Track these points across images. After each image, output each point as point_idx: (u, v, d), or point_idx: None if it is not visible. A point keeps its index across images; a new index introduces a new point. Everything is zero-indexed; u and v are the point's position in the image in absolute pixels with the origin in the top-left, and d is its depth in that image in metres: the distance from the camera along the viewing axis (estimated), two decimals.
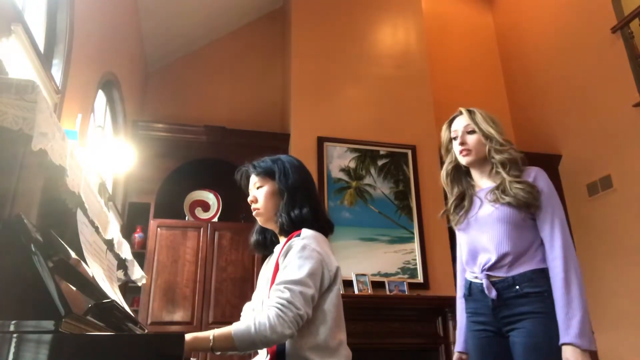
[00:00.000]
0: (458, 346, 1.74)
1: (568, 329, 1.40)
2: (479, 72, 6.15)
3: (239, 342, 1.14)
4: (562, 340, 1.40)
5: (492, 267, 1.56)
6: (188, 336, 1.13)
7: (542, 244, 1.55)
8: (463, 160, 1.69)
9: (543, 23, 5.64)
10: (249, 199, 1.45)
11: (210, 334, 1.15)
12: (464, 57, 6.15)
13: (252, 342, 1.15)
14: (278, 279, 1.25)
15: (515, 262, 1.54)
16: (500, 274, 1.55)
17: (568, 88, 5.20)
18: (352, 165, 4.61)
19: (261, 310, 1.31)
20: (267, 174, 1.44)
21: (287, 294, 1.19)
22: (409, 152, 4.76)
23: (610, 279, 4.46)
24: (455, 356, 1.74)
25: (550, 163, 5.20)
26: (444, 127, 1.78)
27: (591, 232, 4.71)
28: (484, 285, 1.56)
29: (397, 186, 4.64)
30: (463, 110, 1.73)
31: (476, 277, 1.62)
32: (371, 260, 4.30)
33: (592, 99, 4.86)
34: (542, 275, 1.51)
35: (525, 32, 5.93)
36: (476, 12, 6.53)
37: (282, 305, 1.17)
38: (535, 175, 1.60)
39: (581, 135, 4.98)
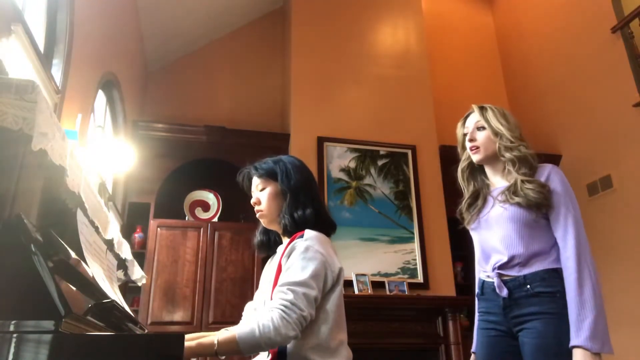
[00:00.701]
0: (474, 346, 1.70)
1: (579, 331, 1.36)
2: (479, 71, 6.15)
3: (243, 345, 1.14)
4: (572, 342, 1.37)
5: (503, 266, 1.54)
6: (192, 342, 1.14)
7: (557, 243, 1.51)
8: (473, 158, 1.67)
9: (543, 23, 5.64)
10: (252, 201, 1.45)
11: (214, 338, 1.15)
12: (464, 57, 6.15)
13: (256, 345, 1.15)
14: (281, 280, 1.25)
15: (527, 262, 1.51)
16: (512, 272, 1.53)
17: (568, 88, 5.20)
18: (352, 165, 4.61)
19: (263, 311, 1.32)
20: (269, 176, 1.43)
21: (290, 296, 1.19)
22: (409, 152, 4.76)
23: (610, 279, 4.46)
24: (472, 357, 1.71)
25: (550, 163, 5.19)
26: (459, 124, 1.76)
27: (591, 232, 4.67)
28: (495, 284, 1.54)
29: (397, 186, 4.64)
30: (474, 106, 1.71)
31: (488, 276, 1.60)
32: (371, 260, 4.29)
33: (592, 99, 4.85)
34: (555, 275, 1.47)
35: (525, 32, 5.93)
36: (476, 12, 6.54)
37: (285, 307, 1.17)
38: (549, 173, 1.57)
39: (581, 135, 4.98)
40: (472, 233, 1.72)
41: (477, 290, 1.70)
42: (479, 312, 1.66)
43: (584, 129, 4.95)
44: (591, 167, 4.79)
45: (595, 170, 4.74)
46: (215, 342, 1.14)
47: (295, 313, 1.17)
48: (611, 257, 4.46)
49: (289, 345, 1.23)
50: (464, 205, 1.71)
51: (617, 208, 4.48)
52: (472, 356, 1.71)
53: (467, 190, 1.73)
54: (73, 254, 1.21)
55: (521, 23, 6.02)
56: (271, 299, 1.27)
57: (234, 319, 3.80)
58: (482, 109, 1.69)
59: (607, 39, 4.68)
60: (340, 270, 1.32)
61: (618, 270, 4.38)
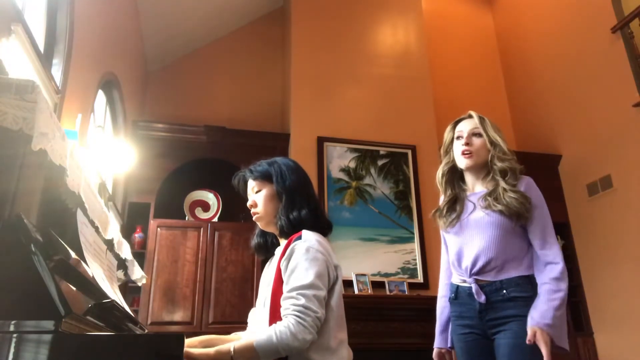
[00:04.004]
0: (437, 343, 1.77)
1: (544, 316, 1.45)
2: (479, 72, 6.15)
3: (262, 353, 1.16)
4: (543, 321, 1.44)
5: (480, 271, 1.59)
6: (210, 350, 1.16)
7: (529, 251, 1.59)
8: (463, 163, 1.70)
9: (543, 23, 5.65)
10: (249, 203, 1.45)
11: (231, 346, 1.16)
12: (464, 57, 6.15)
13: (274, 351, 1.16)
14: (288, 285, 1.24)
15: (503, 267, 1.57)
16: (488, 278, 1.58)
17: (568, 88, 5.19)
18: (352, 165, 4.61)
19: (263, 312, 1.31)
20: (264, 178, 1.43)
21: (302, 300, 1.20)
22: (409, 152, 4.76)
23: (610, 279, 4.46)
24: (434, 352, 1.77)
25: (550, 163, 5.20)
26: (449, 128, 1.78)
27: (591, 232, 4.71)
28: (473, 290, 1.58)
29: (397, 186, 4.64)
30: (473, 114, 1.74)
31: (464, 281, 1.64)
32: (371, 260, 4.29)
33: (592, 99, 4.85)
34: (527, 281, 1.55)
35: (526, 32, 5.93)
36: (476, 12, 6.54)
37: (300, 312, 1.18)
38: (527, 184, 1.63)
39: (581, 135, 4.98)
40: (448, 236, 1.76)
41: (446, 292, 1.76)
42: (452, 316, 1.71)
43: (584, 129, 4.95)
44: (591, 167, 4.79)
45: (595, 170, 4.74)
46: (232, 350, 1.15)
47: (310, 316, 1.18)
48: (611, 257, 4.47)
49: None
50: (443, 209, 1.75)
51: (617, 208, 4.47)
52: (436, 350, 1.78)
53: (444, 194, 1.78)
54: (73, 254, 1.21)
55: (521, 23, 6.02)
56: (271, 299, 1.27)
57: (234, 319, 3.82)
58: (480, 118, 1.73)
59: (607, 39, 4.68)
60: (338, 268, 1.34)
61: (618, 270, 4.38)
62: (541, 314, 1.46)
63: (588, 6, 4.98)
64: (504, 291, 1.54)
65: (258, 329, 1.32)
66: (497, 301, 1.55)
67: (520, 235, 1.59)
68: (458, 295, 1.66)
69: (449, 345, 1.73)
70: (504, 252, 1.57)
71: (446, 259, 1.80)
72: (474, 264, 1.59)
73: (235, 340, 1.20)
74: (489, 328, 1.56)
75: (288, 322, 1.17)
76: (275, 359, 1.21)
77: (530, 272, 1.56)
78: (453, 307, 1.69)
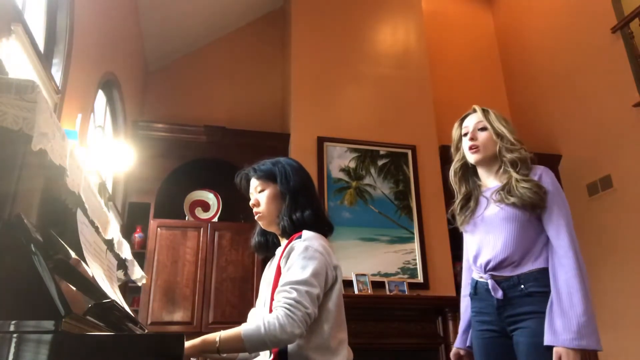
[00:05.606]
0: (457, 342, 1.75)
1: (568, 328, 1.37)
2: (479, 71, 6.15)
3: (248, 343, 1.15)
4: (576, 343, 1.35)
5: (497, 267, 1.55)
6: (197, 340, 1.15)
7: (547, 243, 1.53)
8: (471, 158, 1.68)
9: (543, 23, 5.65)
10: (251, 202, 1.45)
11: (217, 335, 1.16)
12: (464, 57, 6.15)
13: (262, 342, 1.15)
14: (282, 280, 1.25)
15: (521, 261, 1.53)
16: (506, 273, 1.54)
17: (568, 88, 5.19)
18: (352, 165, 4.61)
19: (264, 311, 1.32)
20: (268, 177, 1.44)
21: (294, 294, 1.19)
22: (409, 152, 4.76)
23: (610, 279, 4.46)
24: (452, 351, 1.75)
25: (550, 163, 5.19)
26: (456, 124, 1.77)
27: (591, 232, 4.71)
28: (490, 286, 1.55)
29: (397, 186, 4.64)
30: (477, 107, 1.72)
31: (482, 277, 1.61)
32: (371, 260, 4.29)
33: (592, 99, 4.85)
34: (546, 274, 1.49)
35: (525, 32, 5.93)
36: (476, 11, 6.53)
37: (290, 305, 1.18)
38: (541, 174, 1.59)
39: (581, 135, 4.98)
40: (465, 235, 1.73)
41: (468, 289, 1.72)
42: (472, 312, 1.68)
43: (584, 129, 4.94)
44: (591, 167, 4.79)
45: (595, 170, 4.74)
46: (217, 338, 1.15)
47: (300, 311, 1.17)
48: (611, 257, 4.46)
49: (290, 345, 1.23)
50: (456, 206, 1.73)
51: (617, 208, 4.47)
52: (454, 349, 1.74)
53: (459, 192, 1.75)
54: (73, 254, 1.21)
55: (521, 23, 6.02)
56: (271, 300, 1.28)
57: (234, 319, 3.82)
58: (484, 111, 1.70)
59: (607, 39, 4.68)
60: (337, 268, 1.33)
61: (618, 270, 4.38)
62: (564, 325, 1.36)
63: (588, 6, 4.98)
64: (522, 286, 1.50)
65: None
66: (515, 297, 1.51)
67: (535, 227, 1.54)
68: (477, 290, 1.63)
69: (467, 344, 1.70)
70: (521, 246, 1.52)
71: (466, 257, 1.77)
72: (489, 262, 1.56)
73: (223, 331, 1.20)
74: (508, 325, 1.53)
75: (277, 314, 1.16)
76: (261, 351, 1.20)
77: (547, 264, 1.50)
78: (473, 302, 1.67)
